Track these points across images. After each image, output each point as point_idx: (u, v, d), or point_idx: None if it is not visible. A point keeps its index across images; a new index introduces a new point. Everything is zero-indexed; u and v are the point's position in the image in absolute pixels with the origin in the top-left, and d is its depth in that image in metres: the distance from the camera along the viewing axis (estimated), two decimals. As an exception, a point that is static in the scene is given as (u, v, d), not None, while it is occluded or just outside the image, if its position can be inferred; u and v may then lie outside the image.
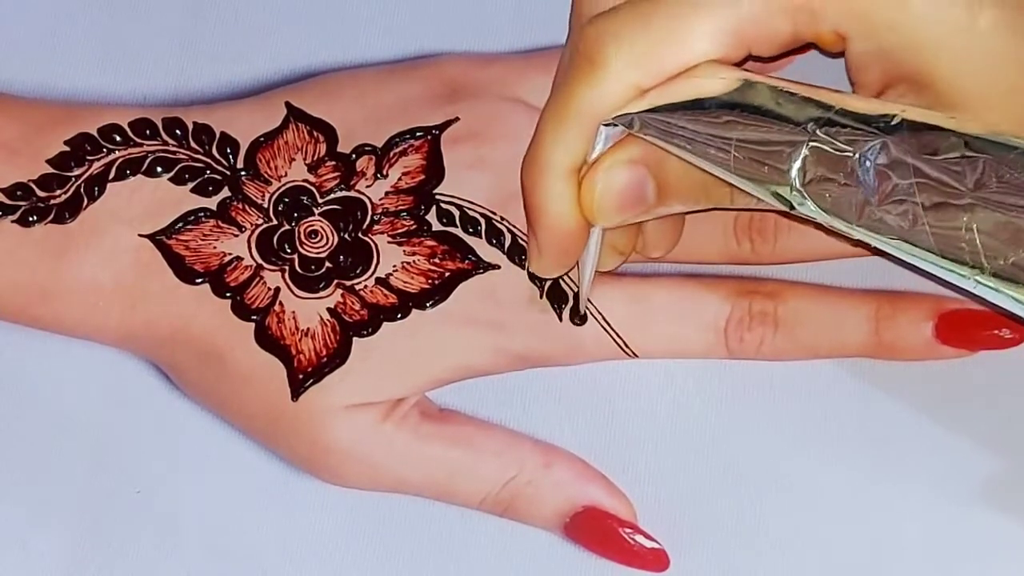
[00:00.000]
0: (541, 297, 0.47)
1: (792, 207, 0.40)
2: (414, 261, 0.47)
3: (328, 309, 0.47)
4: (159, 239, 0.47)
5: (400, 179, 0.48)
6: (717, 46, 0.41)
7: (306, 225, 0.48)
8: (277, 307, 0.47)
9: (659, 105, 0.42)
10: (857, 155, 0.40)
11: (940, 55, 0.41)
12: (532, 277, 0.48)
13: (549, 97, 0.44)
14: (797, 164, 0.40)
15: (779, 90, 0.41)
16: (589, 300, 0.47)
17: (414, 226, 0.48)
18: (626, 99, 0.42)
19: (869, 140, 0.40)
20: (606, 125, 0.42)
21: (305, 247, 0.48)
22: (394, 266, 0.47)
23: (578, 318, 0.47)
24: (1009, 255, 0.38)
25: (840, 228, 0.40)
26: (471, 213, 0.48)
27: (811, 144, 0.40)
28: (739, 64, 0.42)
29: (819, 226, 0.41)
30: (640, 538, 0.47)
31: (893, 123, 0.40)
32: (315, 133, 0.49)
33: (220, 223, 0.48)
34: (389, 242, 0.48)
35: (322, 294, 0.47)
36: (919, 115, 0.40)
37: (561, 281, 0.48)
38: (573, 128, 0.43)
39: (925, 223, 0.39)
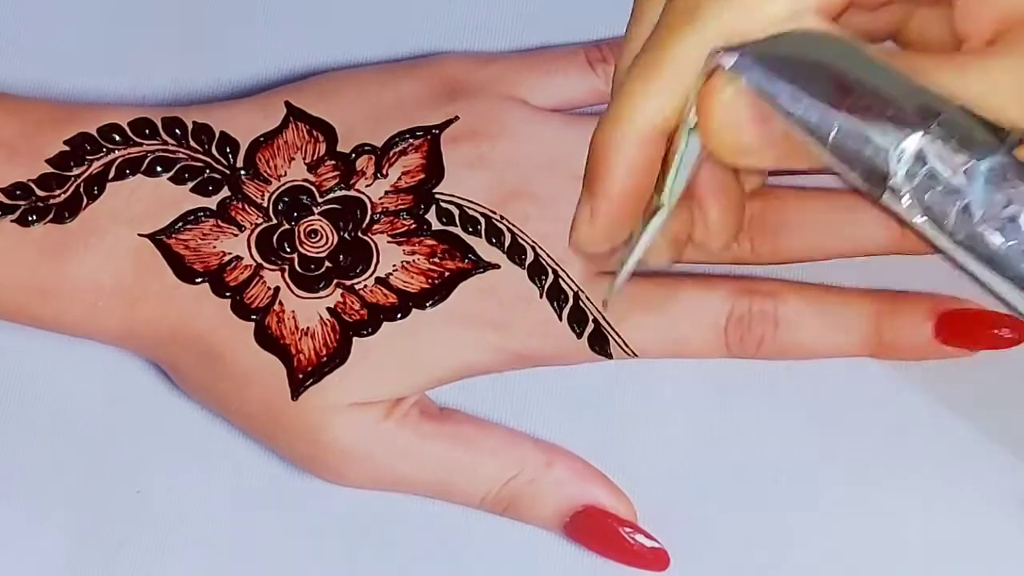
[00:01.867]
0: (541, 297, 0.47)
1: (881, 196, 0.37)
2: (414, 260, 0.47)
3: (328, 309, 0.47)
4: (159, 239, 0.47)
5: (400, 178, 0.48)
6: None
7: (306, 224, 0.48)
8: (277, 307, 0.47)
9: (777, 36, 0.38)
10: (974, 163, 0.36)
11: None
12: (532, 277, 0.47)
13: (636, 56, 0.40)
14: (906, 154, 0.36)
15: (892, 67, 0.37)
16: (589, 299, 0.47)
17: (414, 225, 0.48)
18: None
19: (989, 150, 0.36)
20: (716, 52, 0.38)
21: (305, 246, 0.48)
22: (394, 266, 0.47)
23: (584, 324, 0.47)
24: None
25: (927, 232, 0.37)
26: (471, 212, 0.48)
27: (924, 136, 0.36)
28: (840, 14, 0.39)
29: (900, 221, 0.37)
30: (640, 538, 0.47)
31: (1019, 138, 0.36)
32: (315, 132, 0.49)
33: (220, 223, 0.48)
34: (389, 242, 0.48)
35: (322, 294, 0.47)
36: None
37: (561, 281, 0.48)
38: (668, 80, 0.39)
39: None
